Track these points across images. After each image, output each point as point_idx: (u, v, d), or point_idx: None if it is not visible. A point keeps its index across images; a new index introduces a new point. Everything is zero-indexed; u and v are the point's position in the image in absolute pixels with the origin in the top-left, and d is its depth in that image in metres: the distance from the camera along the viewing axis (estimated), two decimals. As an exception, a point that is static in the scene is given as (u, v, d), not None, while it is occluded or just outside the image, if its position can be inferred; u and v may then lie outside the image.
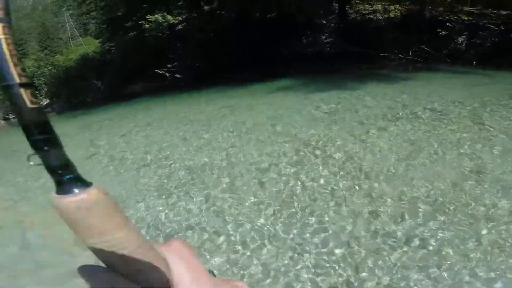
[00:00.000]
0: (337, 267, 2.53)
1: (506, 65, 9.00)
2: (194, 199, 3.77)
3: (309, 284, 2.42)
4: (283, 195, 3.57)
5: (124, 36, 14.03)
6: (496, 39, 11.67)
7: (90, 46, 17.99)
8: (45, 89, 14.61)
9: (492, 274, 2.26)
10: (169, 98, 10.68)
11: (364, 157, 4.15)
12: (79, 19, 18.68)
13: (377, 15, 15.49)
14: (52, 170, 0.24)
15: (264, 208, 3.39)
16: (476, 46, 11.47)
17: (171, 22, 12.07)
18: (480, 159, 3.73)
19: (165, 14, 12.15)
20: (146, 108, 9.89)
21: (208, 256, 2.87)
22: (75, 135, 8.37)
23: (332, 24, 13.09)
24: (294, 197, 3.50)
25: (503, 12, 11.68)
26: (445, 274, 2.32)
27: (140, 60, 12.75)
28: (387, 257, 2.54)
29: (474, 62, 10.58)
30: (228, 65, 11.71)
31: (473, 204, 3.01)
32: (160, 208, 3.73)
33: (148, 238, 3.22)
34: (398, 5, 14.11)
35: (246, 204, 3.53)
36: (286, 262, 2.63)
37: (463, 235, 2.66)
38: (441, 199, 3.14)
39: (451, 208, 3.01)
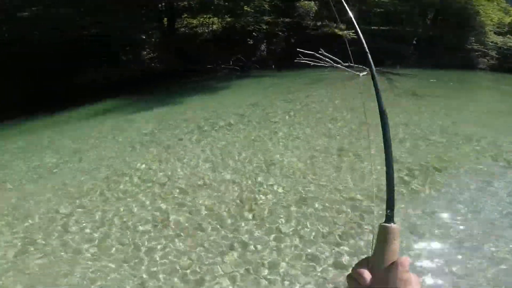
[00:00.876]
0: None
1: (291, 66, 11.56)
2: None
3: None
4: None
5: None
6: (284, 43, 14.78)
7: None
8: None
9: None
10: None
11: (181, 176, 3.93)
12: None
13: (203, 28, 15.94)
14: (388, 207, 0.48)
15: None
16: (273, 52, 14.19)
17: None
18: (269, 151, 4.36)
19: None
20: None
21: None
22: None
23: (153, 39, 12.70)
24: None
25: (287, 20, 14.72)
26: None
27: None
28: None
29: (273, 66, 13.05)
30: (18, 97, 8.82)
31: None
32: None
33: None
34: (218, 18, 14.93)
35: None
36: None
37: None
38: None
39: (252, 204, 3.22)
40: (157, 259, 2.59)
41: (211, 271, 2.43)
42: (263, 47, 14.52)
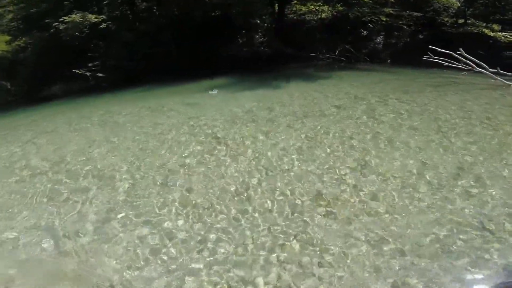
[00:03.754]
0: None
1: (413, 63, 10.12)
2: (94, 204, 3.46)
3: None
4: (192, 193, 3.47)
5: (40, 35, 12.50)
6: (408, 39, 13.10)
7: (1, 43, 15.62)
8: None
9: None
10: (89, 100, 9.83)
11: (267, 154, 4.27)
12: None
13: (311, 15, 16.16)
14: None
15: (181, 207, 3.26)
16: (391, 46, 12.70)
17: (93, 21, 11.08)
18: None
19: (86, 13, 11.12)
20: (58, 112, 8.90)
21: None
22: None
23: (266, 24, 13.36)
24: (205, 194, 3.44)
25: (416, 14, 13.10)
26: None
27: (58, 60, 11.48)
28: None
29: (389, 61, 11.68)
30: (160, 66, 11.19)
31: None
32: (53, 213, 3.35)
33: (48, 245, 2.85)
34: (329, 7, 14.83)
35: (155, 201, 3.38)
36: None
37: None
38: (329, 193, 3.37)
39: (331, 201, 3.24)
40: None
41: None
42: (379, 39, 13.20)
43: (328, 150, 4.23)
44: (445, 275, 2.32)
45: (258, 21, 13.41)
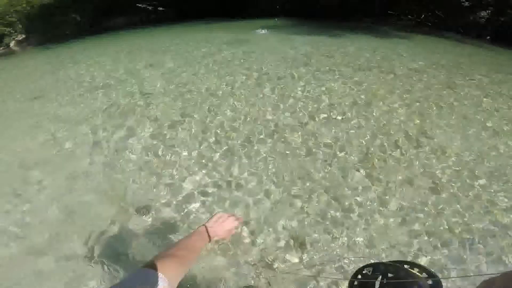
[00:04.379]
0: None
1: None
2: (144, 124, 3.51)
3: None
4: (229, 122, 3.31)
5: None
6: (521, 18, 10.48)
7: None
8: (20, 25, 13.46)
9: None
10: (147, 32, 9.90)
11: (317, 99, 3.82)
12: None
13: None
14: None
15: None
16: (498, 22, 10.30)
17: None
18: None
19: None
20: (119, 41, 9.09)
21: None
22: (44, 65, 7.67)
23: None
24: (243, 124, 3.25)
25: None
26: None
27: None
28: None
29: (488, 37, 9.60)
30: (215, 2, 10.60)
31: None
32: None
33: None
34: None
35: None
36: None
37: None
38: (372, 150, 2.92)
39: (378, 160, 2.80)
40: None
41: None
42: (484, 13, 10.75)
43: (386, 116, 3.58)
44: None
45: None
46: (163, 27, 10.41)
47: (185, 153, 2.93)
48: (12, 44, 13.61)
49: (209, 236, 0.83)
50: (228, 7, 10.68)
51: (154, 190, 2.53)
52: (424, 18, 10.27)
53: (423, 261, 1.92)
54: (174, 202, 2.40)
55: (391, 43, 6.84)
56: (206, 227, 0.85)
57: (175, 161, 2.83)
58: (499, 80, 4.72)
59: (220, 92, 4.07)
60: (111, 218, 2.28)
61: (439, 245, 2.03)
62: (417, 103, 3.79)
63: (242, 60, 5.34)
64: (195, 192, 2.48)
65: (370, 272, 0.65)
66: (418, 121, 3.42)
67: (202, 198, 2.42)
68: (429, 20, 10.19)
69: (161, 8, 11.51)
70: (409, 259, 1.90)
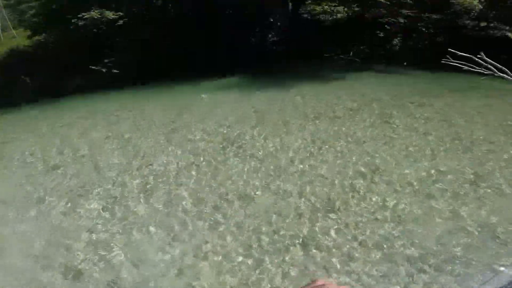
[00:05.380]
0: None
1: (431, 66, 9.75)
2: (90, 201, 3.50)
3: None
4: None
5: (60, 30, 12.89)
6: (426, 42, 12.68)
7: (23, 39, 16.20)
8: None
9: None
10: (103, 96, 10.06)
11: (278, 155, 4.21)
12: (15, 10, 16.73)
13: (326, 15, 15.89)
14: None
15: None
16: (408, 48, 12.32)
17: (110, 18, 11.32)
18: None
19: (104, 10, 11.38)
20: (71, 107, 9.12)
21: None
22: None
23: (279, 23, 13.23)
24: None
25: (435, 16, 12.65)
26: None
27: (76, 56, 11.77)
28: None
29: (405, 63, 11.33)
30: (173, 63, 11.30)
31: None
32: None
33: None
34: (344, 7, 14.61)
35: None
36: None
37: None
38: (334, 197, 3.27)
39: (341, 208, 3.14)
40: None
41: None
42: (396, 41, 12.83)
43: (339, 155, 4.10)
44: None
45: (271, 20, 13.30)
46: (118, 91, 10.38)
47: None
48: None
49: None
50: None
51: None
52: (353, 55, 11.95)
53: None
54: None
55: (331, 86, 7.82)
56: None
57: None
58: (424, 103, 5.68)
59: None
60: None
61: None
62: (364, 144, 4.37)
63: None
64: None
65: None
66: (369, 158, 3.93)
67: None
68: (358, 56, 11.87)
69: (115, 71, 11.45)
70: None
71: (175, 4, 13.85)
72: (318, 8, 15.88)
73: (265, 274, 2.41)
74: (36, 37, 14.71)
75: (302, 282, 2.20)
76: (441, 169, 3.61)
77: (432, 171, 3.55)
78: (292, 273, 2.39)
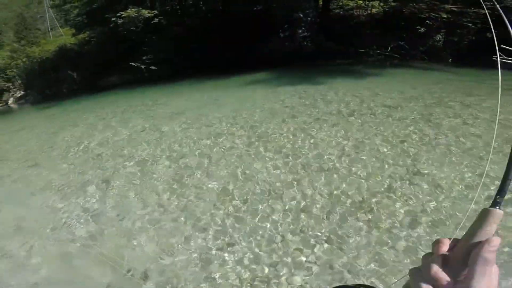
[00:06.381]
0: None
1: (480, 63, 8.92)
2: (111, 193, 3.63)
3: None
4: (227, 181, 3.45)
5: (101, 28, 13.77)
6: (473, 37, 11.64)
7: (69, 37, 17.52)
8: (19, 81, 14.21)
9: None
10: (140, 91, 10.49)
11: (308, 152, 4.05)
12: (61, 10, 18.20)
13: (360, 11, 15.34)
14: (498, 193, 0.42)
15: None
16: (453, 44, 11.40)
17: (146, 16, 11.82)
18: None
19: (140, 8, 11.92)
20: (113, 101, 9.67)
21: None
22: (39, 126, 8.18)
23: (309, 18, 12.89)
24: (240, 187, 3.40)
25: (484, 11, 11.59)
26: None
27: (116, 52, 12.47)
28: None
29: (450, 60, 10.51)
30: (204, 60, 11.51)
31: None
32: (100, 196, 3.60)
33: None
34: (380, 2, 14.01)
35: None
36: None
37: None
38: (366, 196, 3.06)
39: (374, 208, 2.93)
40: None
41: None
42: (439, 37, 11.94)
43: (377, 155, 3.84)
44: None
45: (301, 15, 13.01)
46: (154, 87, 10.88)
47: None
48: (10, 101, 14.00)
49: None
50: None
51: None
52: (390, 50, 11.30)
53: None
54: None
55: (366, 82, 7.43)
56: None
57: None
58: (471, 103, 5.14)
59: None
60: None
61: None
62: (403, 144, 4.05)
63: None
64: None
65: None
66: (410, 161, 3.63)
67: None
68: (396, 52, 11.21)
69: (153, 68, 11.97)
70: None
71: (206, 1, 14.11)
72: (351, 3, 15.29)
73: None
74: (80, 35, 15.86)
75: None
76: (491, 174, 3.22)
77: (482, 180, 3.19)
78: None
